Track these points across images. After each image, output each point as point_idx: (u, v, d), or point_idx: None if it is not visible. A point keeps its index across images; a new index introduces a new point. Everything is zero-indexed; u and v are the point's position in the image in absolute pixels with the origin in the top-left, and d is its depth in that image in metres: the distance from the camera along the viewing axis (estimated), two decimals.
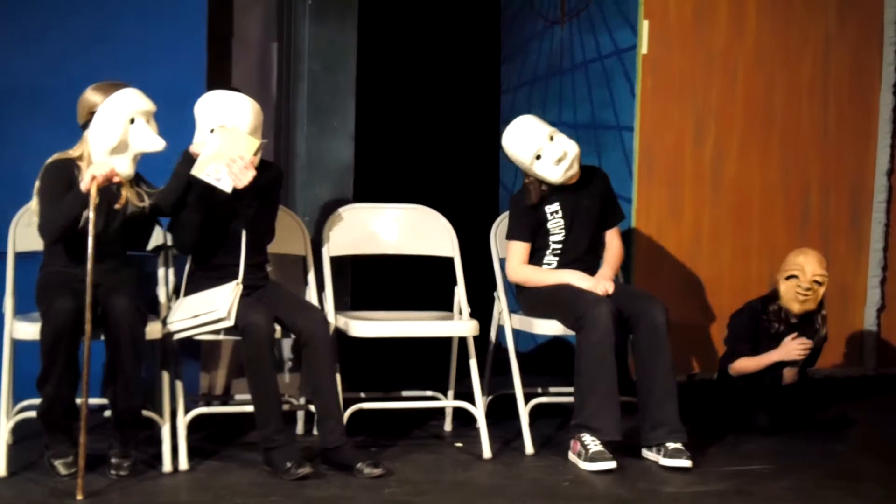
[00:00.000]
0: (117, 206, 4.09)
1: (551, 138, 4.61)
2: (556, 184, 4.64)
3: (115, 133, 4.01)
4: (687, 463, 4.28)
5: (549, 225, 4.69)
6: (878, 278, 6.06)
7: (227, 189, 4.06)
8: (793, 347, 4.90)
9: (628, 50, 5.65)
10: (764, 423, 4.88)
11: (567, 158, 4.60)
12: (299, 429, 4.66)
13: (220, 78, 4.91)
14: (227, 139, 4.07)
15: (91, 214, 3.86)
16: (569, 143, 4.62)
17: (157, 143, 4.06)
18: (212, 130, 4.13)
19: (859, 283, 6.05)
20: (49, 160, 4.10)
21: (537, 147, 4.60)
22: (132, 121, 4.03)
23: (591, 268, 4.68)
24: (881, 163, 6.06)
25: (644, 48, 5.59)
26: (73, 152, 4.11)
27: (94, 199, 3.88)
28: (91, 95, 4.05)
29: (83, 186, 3.91)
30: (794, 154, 5.91)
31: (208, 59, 4.86)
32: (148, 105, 4.07)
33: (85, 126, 4.06)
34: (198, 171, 4.06)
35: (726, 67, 5.77)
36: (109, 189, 4.05)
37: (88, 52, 4.68)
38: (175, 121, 4.29)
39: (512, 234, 4.71)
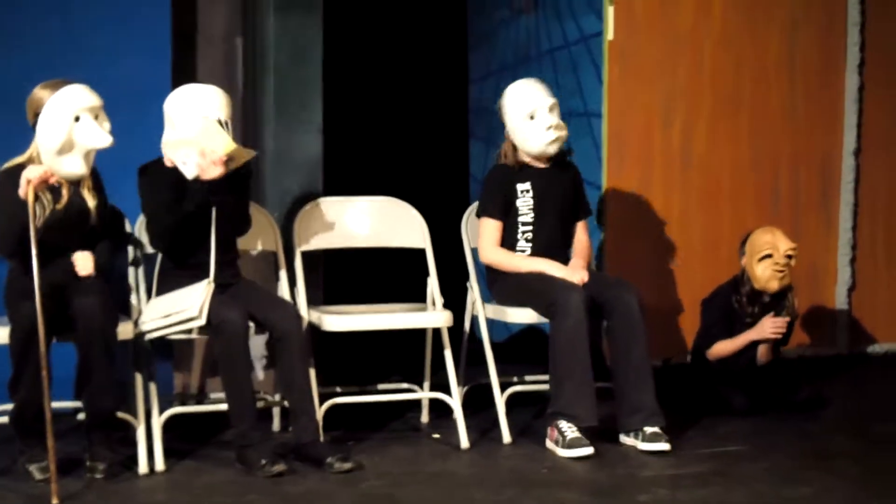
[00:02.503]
0: (58, 207, 3.98)
1: (551, 109, 4.61)
2: (534, 152, 4.63)
3: (61, 132, 3.92)
4: (665, 446, 4.29)
5: (518, 203, 4.68)
6: (847, 257, 6.09)
7: (189, 175, 4.05)
8: (768, 326, 4.92)
9: (594, 36, 5.65)
10: (739, 405, 4.90)
11: (557, 132, 4.60)
12: (275, 425, 4.64)
13: (185, 73, 4.87)
14: (206, 130, 4.04)
15: (30, 218, 3.79)
16: (563, 123, 4.63)
17: (103, 140, 3.97)
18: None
19: (829, 263, 6.08)
20: (1, 168, 4.02)
21: (535, 107, 4.60)
22: (77, 118, 3.94)
23: (563, 260, 4.68)
24: (848, 142, 6.09)
25: (610, 34, 5.58)
26: (23, 157, 4.00)
27: (31, 204, 3.80)
28: (37, 94, 3.96)
29: (20, 192, 3.83)
30: (762, 135, 5.93)
31: (173, 55, 4.82)
32: (93, 101, 3.98)
33: (34, 126, 3.98)
34: (168, 148, 4.02)
35: (693, 50, 5.78)
36: (58, 191, 3.98)
37: (52, 48, 4.62)
38: (140, 116, 4.26)
39: (484, 211, 4.70)
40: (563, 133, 4.64)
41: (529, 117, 4.61)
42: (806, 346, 5.97)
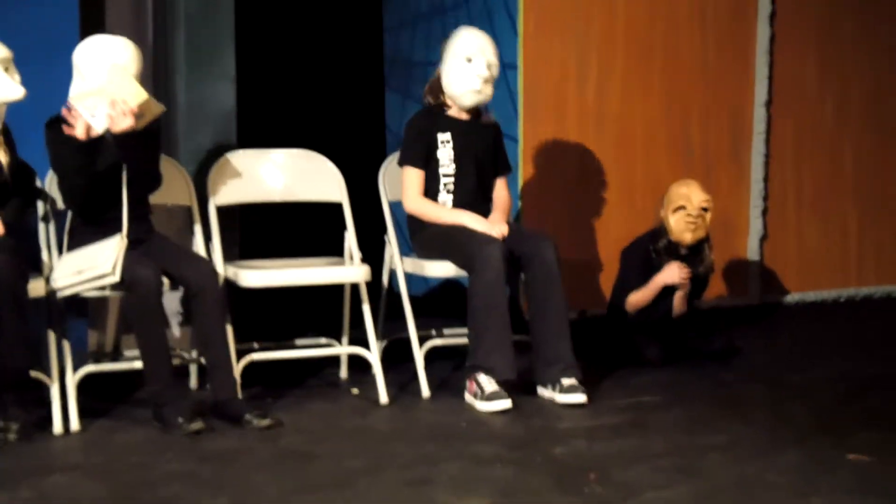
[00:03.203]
0: None
1: (489, 66, 4.61)
2: (454, 93, 4.63)
3: None
4: (582, 398, 4.33)
5: (438, 154, 4.66)
6: (759, 209, 6.18)
7: (99, 129, 3.95)
8: (674, 270, 4.97)
9: None
10: (654, 356, 4.96)
11: (483, 84, 4.61)
12: (192, 383, 4.59)
13: (93, 22, 4.75)
14: (116, 79, 3.94)
15: None
16: (491, 84, 4.65)
17: (14, 91, 3.89)
18: None
19: (741, 214, 6.17)
20: None
21: (474, 53, 4.60)
22: None
23: (484, 213, 4.68)
24: (759, 94, 6.15)
25: None
26: None
27: None
28: None
29: None
30: (675, 87, 5.97)
31: (81, 4, 4.69)
32: (2, 52, 3.90)
33: None
34: (76, 100, 3.92)
35: (605, 2, 5.77)
36: None
37: None
38: (47, 66, 4.15)
39: (405, 160, 4.68)
40: (488, 91, 4.64)
41: (467, 59, 4.60)
42: (720, 297, 6.06)
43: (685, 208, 5.00)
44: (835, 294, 6.42)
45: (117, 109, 3.94)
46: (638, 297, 5.02)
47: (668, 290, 5.02)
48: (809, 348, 5.39)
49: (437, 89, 4.70)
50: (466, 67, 4.61)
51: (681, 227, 5.00)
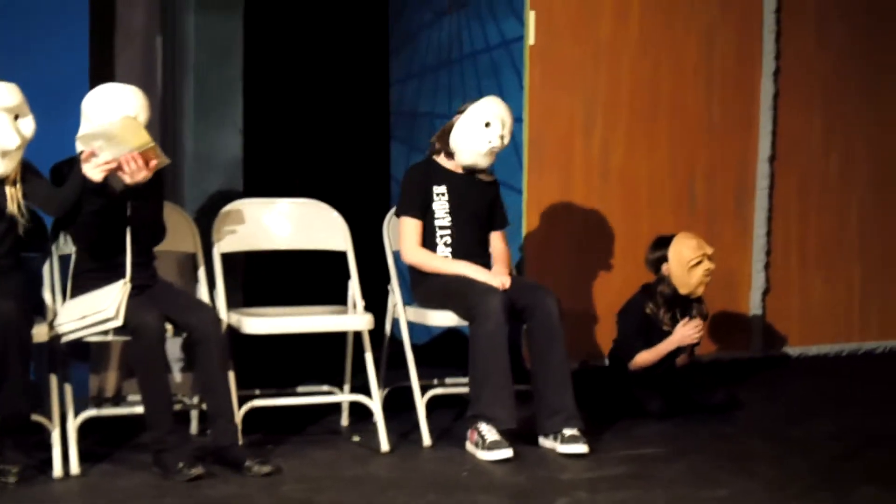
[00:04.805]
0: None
1: (502, 138, 4.67)
2: (468, 156, 4.68)
3: None
4: (584, 448, 4.33)
5: (434, 206, 4.70)
6: (762, 262, 6.19)
7: (96, 169, 3.93)
8: (688, 331, 4.98)
9: (516, 41, 5.67)
10: (656, 408, 4.95)
11: (489, 153, 4.67)
12: (193, 428, 4.59)
13: (103, 71, 4.80)
14: (125, 127, 3.96)
15: None
16: (493, 158, 4.72)
17: (9, 141, 3.92)
18: None
19: (744, 268, 6.17)
20: None
21: (494, 121, 4.65)
22: None
23: (485, 263, 4.70)
24: (763, 149, 6.18)
25: (531, 39, 5.61)
26: None
27: None
28: None
29: None
30: (680, 142, 6.00)
31: (91, 53, 4.74)
32: (10, 100, 3.94)
33: None
34: (83, 140, 3.94)
35: (612, 57, 5.83)
36: None
37: None
38: (57, 115, 4.18)
39: (403, 210, 4.71)
40: (489, 161, 4.73)
41: (485, 124, 4.64)
42: (721, 350, 6.06)
43: (702, 262, 5.02)
44: (837, 348, 6.41)
45: (133, 167, 3.96)
46: (647, 358, 5.02)
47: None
48: (811, 403, 5.37)
49: (446, 138, 4.74)
50: (482, 131, 4.66)
51: (699, 281, 5.03)
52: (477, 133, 4.66)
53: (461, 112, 4.73)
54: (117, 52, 4.99)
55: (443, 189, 4.71)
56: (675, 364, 5.08)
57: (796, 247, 6.31)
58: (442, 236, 4.71)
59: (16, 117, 3.99)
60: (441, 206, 4.70)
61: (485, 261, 4.74)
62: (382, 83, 6.75)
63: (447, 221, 4.71)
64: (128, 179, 3.99)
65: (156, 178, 4.15)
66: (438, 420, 4.72)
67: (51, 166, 4.18)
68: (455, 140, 4.70)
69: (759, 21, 6.14)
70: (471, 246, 4.72)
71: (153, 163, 4.00)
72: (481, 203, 4.78)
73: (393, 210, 4.90)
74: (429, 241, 4.71)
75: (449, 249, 4.70)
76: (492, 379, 4.35)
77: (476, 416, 4.36)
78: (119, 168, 3.97)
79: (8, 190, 4.01)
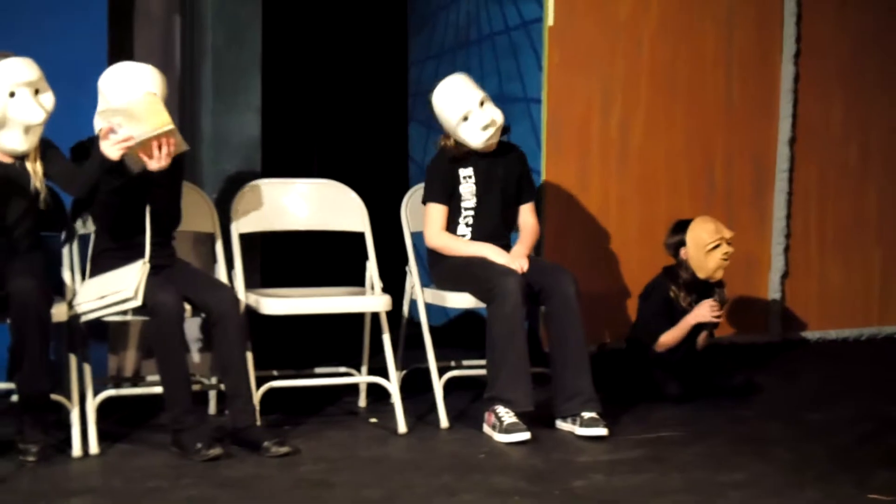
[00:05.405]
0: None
1: (482, 104, 4.62)
2: (476, 149, 4.64)
3: None
4: (603, 431, 4.32)
5: (461, 189, 4.69)
6: (781, 246, 6.17)
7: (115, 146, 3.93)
8: (706, 309, 4.97)
9: (534, 22, 5.65)
10: (674, 391, 4.95)
11: (493, 126, 4.62)
12: (211, 409, 4.60)
13: (121, 52, 4.80)
14: (148, 105, 3.95)
15: None
16: (496, 111, 4.65)
17: (35, 115, 3.91)
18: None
19: (763, 252, 6.15)
20: None
21: (467, 109, 4.60)
22: (12, 94, 3.89)
23: (505, 244, 4.69)
24: (783, 132, 6.15)
25: (550, 20, 5.59)
26: None
27: None
28: None
29: None
30: (698, 124, 5.97)
31: (109, 34, 4.74)
32: (30, 75, 3.93)
33: None
34: (103, 116, 3.93)
35: (631, 38, 5.80)
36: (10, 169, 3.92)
37: None
38: (76, 96, 4.18)
39: (428, 197, 4.70)
40: (500, 122, 4.66)
41: (463, 119, 4.62)
42: (739, 334, 6.04)
43: (720, 246, 5.01)
44: (856, 332, 6.39)
45: (162, 151, 3.96)
46: (669, 338, 5.02)
47: (694, 328, 5.02)
48: (830, 386, 5.36)
49: (453, 145, 4.70)
50: (469, 125, 4.62)
51: (717, 265, 5.02)
52: (467, 130, 4.63)
53: (440, 122, 4.69)
54: (136, 33, 4.99)
55: (469, 171, 4.70)
56: (696, 345, 5.07)
57: (816, 230, 6.28)
58: (465, 216, 4.70)
59: (36, 92, 3.98)
60: (468, 188, 4.69)
61: (505, 242, 4.73)
62: (401, 64, 6.74)
63: (472, 203, 4.70)
64: (153, 165, 3.99)
65: (175, 166, 4.15)
66: (455, 402, 4.72)
67: (71, 145, 4.18)
68: (458, 138, 4.68)
69: (779, 4, 6.10)
70: (493, 225, 4.71)
71: (171, 147, 4.00)
72: (510, 179, 4.76)
73: (412, 190, 4.90)
74: (451, 221, 4.70)
75: (469, 230, 4.69)
76: (509, 361, 4.35)
77: (493, 398, 4.36)
78: (142, 149, 3.96)
79: (30, 166, 4.01)
